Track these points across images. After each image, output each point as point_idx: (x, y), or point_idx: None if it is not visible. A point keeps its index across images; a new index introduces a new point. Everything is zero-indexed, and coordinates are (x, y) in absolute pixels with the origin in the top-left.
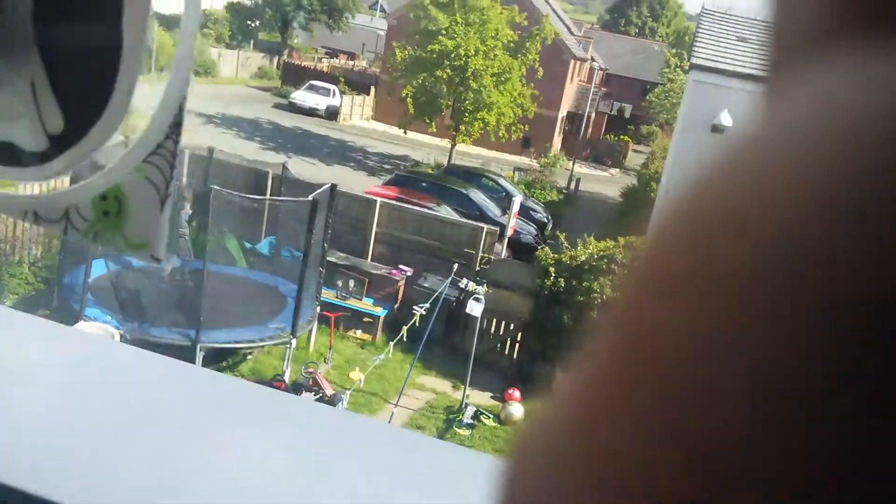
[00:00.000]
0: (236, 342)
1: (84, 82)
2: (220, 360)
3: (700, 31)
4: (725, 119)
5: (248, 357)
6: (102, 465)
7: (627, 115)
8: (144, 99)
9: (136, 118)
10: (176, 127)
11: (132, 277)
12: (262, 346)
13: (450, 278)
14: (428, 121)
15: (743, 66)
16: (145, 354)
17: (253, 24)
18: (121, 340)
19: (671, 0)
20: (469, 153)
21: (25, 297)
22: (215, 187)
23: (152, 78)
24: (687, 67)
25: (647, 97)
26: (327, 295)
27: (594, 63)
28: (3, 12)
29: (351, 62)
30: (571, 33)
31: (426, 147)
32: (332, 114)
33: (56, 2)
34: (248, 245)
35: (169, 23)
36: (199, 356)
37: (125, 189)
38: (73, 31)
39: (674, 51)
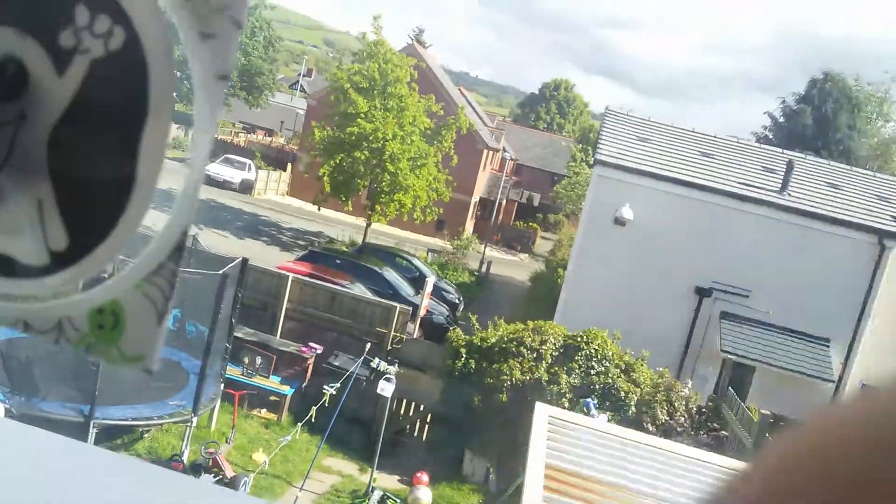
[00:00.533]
0: (133, 419)
1: (93, 206)
2: (115, 437)
3: (604, 129)
4: (626, 213)
5: (145, 435)
6: None
7: (536, 203)
8: None
9: None
10: (178, 250)
11: (22, 348)
12: (161, 424)
13: (361, 357)
14: (344, 199)
15: (643, 164)
16: (31, 431)
17: None
18: (5, 416)
19: (577, 99)
20: (384, 232)
21: None
22: (120, 257)
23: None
24: (592, 162)
25: (555, 188)
26: (233, 372)
27: (506, 153)
28: (21, 126)
29: (269, 138)
30: (485, 124)
31: (341, 224)
32: (246, 187)
33: (73, 130)
34: None
35: None
36: (92, 433)
37: (123, 304)
38: (88, 160)
39: (579, 146)
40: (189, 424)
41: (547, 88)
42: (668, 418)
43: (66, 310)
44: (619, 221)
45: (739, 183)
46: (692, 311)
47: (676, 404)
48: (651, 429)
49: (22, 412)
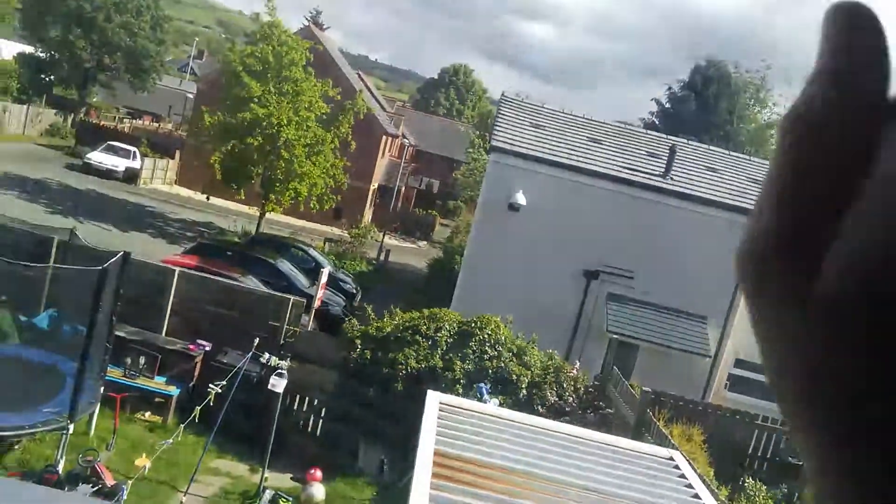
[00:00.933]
0: (1, 430)
1: None
2: None
3: (499, 115)
4: (520, 198)
5: (16, 447)
6: None
7: (435, 190)
8: None
9: None
10: None
11: None
12: (34, 434)
13: (249, 353)
14: (236, 188)
15: (536, 150)
16: None
17: (47, 79)
18: None
19: (477, 84)
20: (279, 222)
21: None
22: None
23: None
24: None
25: (454, 174)
26: (114, 374)
27: (405, 139)
28: None
29: (156, 124)
30: (384, 109)
31: (234, 214)
32: (131, 176)
33: None
34: (23, 319)
35: None
36: None
37: None
38: None
39: (478, 132)
40: (65, 432)
41: (447, 73)
42: (557, 399)
43: None
44: (514, 207)
45: (625, 168)
46: (581, 294)
47: (565, 385)
48: (541, 410)
49: None
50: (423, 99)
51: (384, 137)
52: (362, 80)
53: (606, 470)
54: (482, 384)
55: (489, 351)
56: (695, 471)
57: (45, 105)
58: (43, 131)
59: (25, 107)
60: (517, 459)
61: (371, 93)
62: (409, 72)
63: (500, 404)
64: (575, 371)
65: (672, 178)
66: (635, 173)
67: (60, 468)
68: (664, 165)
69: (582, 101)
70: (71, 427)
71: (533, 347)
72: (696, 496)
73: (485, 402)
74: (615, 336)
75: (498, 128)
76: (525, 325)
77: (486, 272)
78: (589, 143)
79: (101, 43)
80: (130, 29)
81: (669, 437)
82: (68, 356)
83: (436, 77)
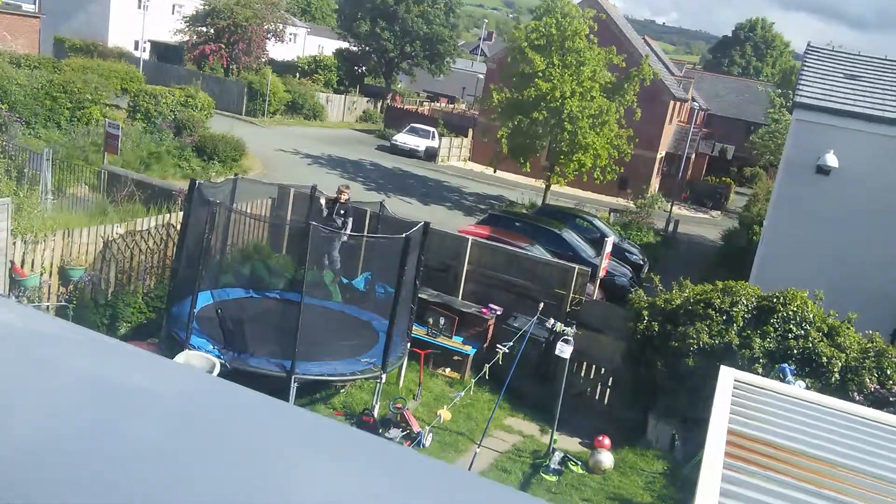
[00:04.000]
0: (329, 375)
1: None
2: (314, 391)
3: (805, 68)
4: (831, 160)
5: (341, 390)
6: (187, 488)
7: (730, 156)
8: (255, 140)
9: (249, 159)
10: None
11: (235, 309)
12: (354, 380)
13: (535, 317)
14: (522, 161)
15: (851, 105)
16: (239, 389)
17: (360, 70)
18: (221, 369)
19: (777, 39)
20: (564, 194)
21: (138, 325)
22: (314, 223)
23: (265, 120)
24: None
25: (751, 138)
26: (418, 332)
27: (694, 103)
28: None
29: (451, 105)
30: (671, 73)
31: (521, 187)
32: (431, 155)
33: None
34: (344, 280)
35: (281, 69)
36: (293, 388)
37: None
38: None
39: (779, 90)
40: (379, 381)
41: (741, 30)
42: (878, 387)
43: None
44: (823, 170)
45: None
46: None
47: (889, 371)
48: (857, 398)
49: (234, 367)
50: (715, 59)
51: (672, 103)
52: (648, 44)
53: None
54: (785, 364)
55: (794, 329)
56: None
57: (359, 94)
58: (357, 117)
59: (343, 96)
60: (827, 447)
61: (658, 57)
62: (699, 32)
63: (807, 388)
64: None
65: None
66: None
67: (376, 412)
68: None
69: None
70: (384, 377)
71: (849, 327)
72: None
73: (788, 384)
74: None
75: (804, 82)
76: (838, 303)
77: (789, 243)
78: None
79: (402, 33)
80: (427, 17)
81: None
82: (380, 314)
83: (729, 35)
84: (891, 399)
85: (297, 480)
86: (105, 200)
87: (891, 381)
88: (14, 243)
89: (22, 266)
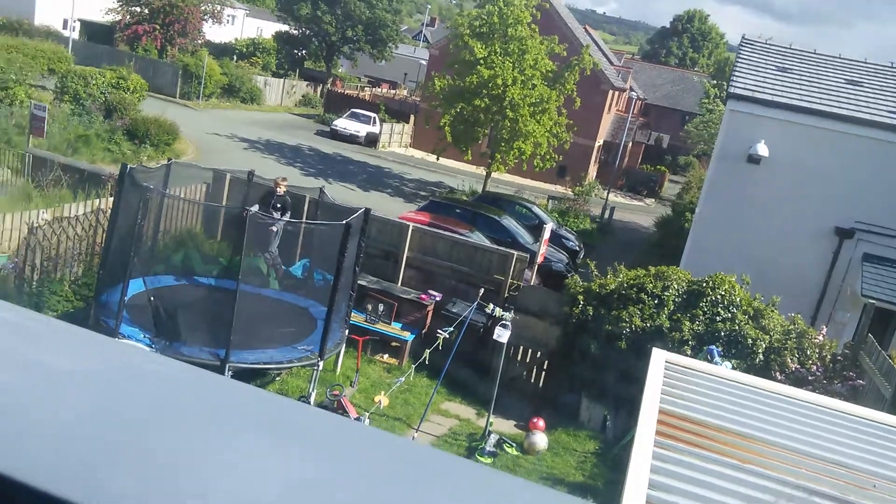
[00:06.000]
0: (265, 363)
1: None
2: (248, 380)
3: (739, 59)
4: (762, 149)
5: (277, 378)
6: (126, 465)
7: (665, 144)
8: (189, 123)
9: (182, 143)
10: None
11: (167, 296)
12: (290, 368)
13: (475, 303)
14: (464, 148)
15: (781, 96)
16: (176, 364)
17: (300, 54)
18: None
19: (713, 31)
20: (505, 181)
21: (65, 314)
22: (251, 210)
23: (200, 103)
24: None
25: (685, 127)
26: (357, 318)
27: (632, 93)
28: None
29: (392, 91)
30: (611, 63)
31: (462, 174)
32: (371, 141)
33: None
34: (283, 268)
35: (218, 51)
36: (228, 376)
37: None
38: None
39: (714, 82)
40: (316, 368)
41: (679, 21)
42: (798, 367)
43: None
44: (754, 159)
45: (892, 112)
46: (831, 254)
47: (809, 352)
48: (779, 377)
49: (165, 355)
50: (653, 50)
51: (611, 92)
52: (589, 34)
53: (858, 444)
54: (713, 346)
55: (722, 312)
56: None
57: (298, 78)
58: (297, 102)
59: (282, 80)
60: (751, 424)
61: (598, 46)
62: (638, 23)
63: (733, 368)
64: (821, 337)
65: None
66: None
67: (312, 399)
68: None
69: (832, 43)
70: (321, 364)
71: (773, 310)
72: None
73: (716, 365)
74: (871, 301)
75: (738, 73)
76: (764, 288)
77: (720, 230)
78: (846, 85)
79: (344, 17)
80: (369, 1)
81: None
82: (318, 301)
83: (667, 26)
84: (809, 378)
85: (242, 451)
86: (30, 185)
87: (810, 361)
88: None
89: None
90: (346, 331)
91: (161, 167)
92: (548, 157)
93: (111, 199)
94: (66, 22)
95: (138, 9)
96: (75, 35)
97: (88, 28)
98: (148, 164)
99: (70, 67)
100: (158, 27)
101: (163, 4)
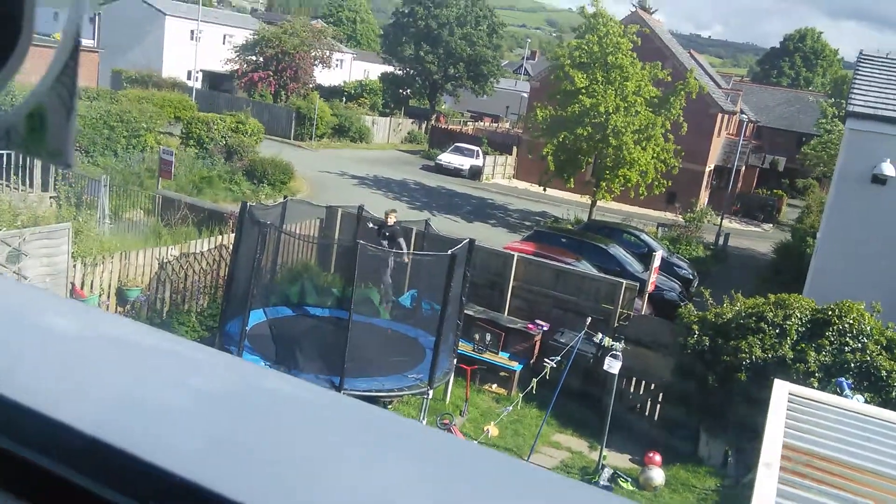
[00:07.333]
0: (377, 391)
1: None
2: None
3: (858, 76)
4: (888, 169)
5: (388, 406)
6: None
7: (781, 167)
8: (303, 163)
9: (297, 182)
10: (75, 50)
11: (286, 325)
12: (401, 396)
13: (582, 332)
14: (567, 178)
15: None
16: (298, 381)
17: (404, 93)
18: None
19: (826, 49)
20: (611, 209)
21: None
22: (361, 242)
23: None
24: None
25: (802, 149)
26: (464, 348)
27: (743, 116)
28: None
29: (495, 124)
30: (718, 86)
31: (566, 204)
32: (475, 173)
33: None
34: (393, 300)
35: (328, 94)
36: None
37: (45, 106)
38: None
39: (831, 100)
40: (425, 397)
41: (790, 41)
42: None
43: (11, 119)
44: (879, 179)
45: None
46: None
47: None
48: None
49: None
50: (763, 71)
51: (719, 115)
52: (694, 58)
53: None
54: (842, 378)
55: (851, 342)
56: None
57: (404, 116)
58: (403, 139)
59: (388, 119)
60: (885, 462)
61: (704, 70)
62: (745, 45)
63: (866, 402)
64: None
65: None
66: None
67: None
68: None
69: None
70: (430, 392)
71: None
72: None
73: (846, 398)
74: None
75: (856, 91)
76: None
77: (845, 255)
78: None
79: (445, 55)
80: (470, 39)
81: None
82: (427, 331)
83: (777, 46)
84: None
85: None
86: (159, 224)
87: None
88: (74, 266)
89: (82, 287)
90: (455, 360)
91: (278, 205)
92: (655, 183)
93: (233, 236)
94: (189, 73)
95: (254, 57)
96: (198, 84)
97: (209, 77)
98: (266, 202)
99: (194, 114)
100: (272, 74)
101: (276, 53)
